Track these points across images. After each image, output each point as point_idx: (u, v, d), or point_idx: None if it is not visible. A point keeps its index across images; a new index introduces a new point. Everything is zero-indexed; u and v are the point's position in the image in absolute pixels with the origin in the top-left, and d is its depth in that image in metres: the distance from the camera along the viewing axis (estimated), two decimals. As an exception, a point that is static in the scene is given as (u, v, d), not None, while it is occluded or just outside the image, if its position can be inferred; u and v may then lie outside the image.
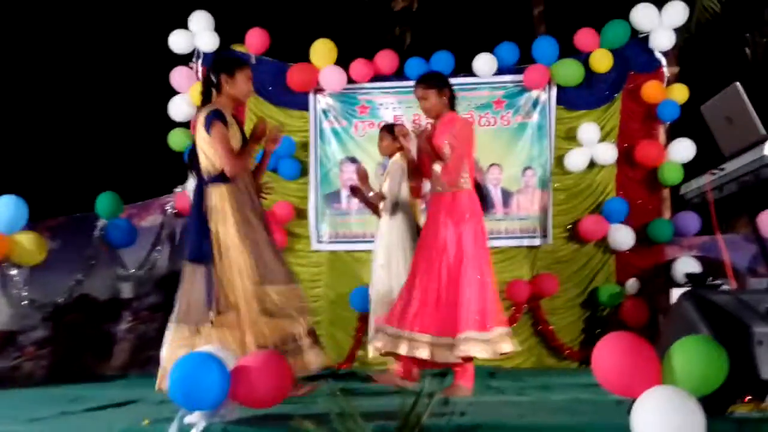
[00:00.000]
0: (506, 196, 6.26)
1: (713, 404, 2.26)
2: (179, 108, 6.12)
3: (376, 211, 5.13)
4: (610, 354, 2.27)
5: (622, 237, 5.99)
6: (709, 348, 2.19)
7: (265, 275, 3.56)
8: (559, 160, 6.21)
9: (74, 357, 5.59)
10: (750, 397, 2.46)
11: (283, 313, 3.57)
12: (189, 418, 2.57)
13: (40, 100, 9.04)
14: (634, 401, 2.15)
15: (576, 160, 6.10)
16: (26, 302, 5.31)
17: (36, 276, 5.38)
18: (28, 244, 4.99)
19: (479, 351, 3.82)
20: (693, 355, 2.19)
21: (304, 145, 6.38)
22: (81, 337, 5.67)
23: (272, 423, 2.70)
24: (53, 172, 8.88)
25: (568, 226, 6.20)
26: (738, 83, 2.80)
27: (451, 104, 4.14)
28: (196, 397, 2.52)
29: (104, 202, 5.71)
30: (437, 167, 3.88)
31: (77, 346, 5.63)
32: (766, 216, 4.74)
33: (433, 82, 4.07)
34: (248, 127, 6.24)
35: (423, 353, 3.89)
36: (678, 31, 6.25)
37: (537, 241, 6.19)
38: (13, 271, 5.23)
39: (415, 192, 4.17)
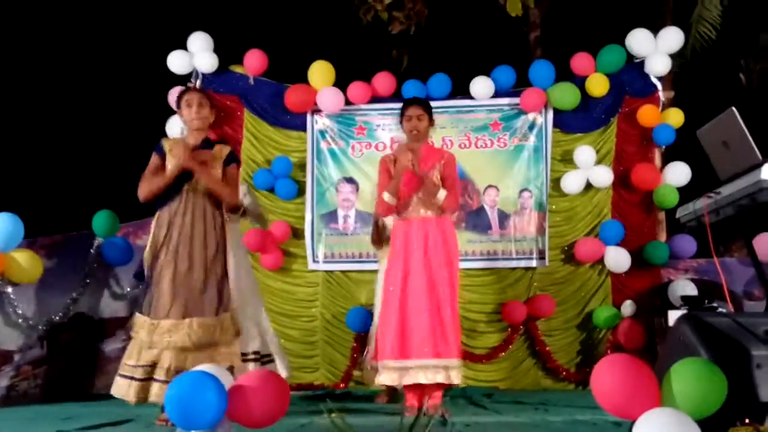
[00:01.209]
0: (503, 217, 6.27)
1: (712, 427, 2.25)
2: (176, 127, 6.12)
3: (377, 228, 5.08)
4: (609, 375, 2.26)
5: (618, 259, 6.00)
6: (708, 370, 2.19)
7: (147, 307, 3.51)
8: (555, 183, 6.24)
9: (69, 376, 5.56)
10: (749, 420, 2.45)
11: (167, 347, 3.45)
12: (185, 438, 2.55)
13: (37, 117, 9.07)
14: (633, 423, 2.15)
15: (572, 183, 6.14)
16: (22, 321, 5.28)
17: (32, 294, 5.37)
18: (24, 262, 4.94)
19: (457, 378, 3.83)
20: (692, 378, 2.18)
21: (302, 166, 6.40)
22: (76, 355, 5.64)
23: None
24: (49, 190, 8.89)
25: (565, 248, 6.22)
26: (734, 108, 2.82)
27: None
28: (193, 416, 2.50)
29: (100, 220, 5.69)
30: (441, 194, 3.90)
31: (73, 365, 5.60)
32: (762, 239, 4.75)
33: (430, 108, 4.12)
34: (247, 146, 6.39)
35: (421, 378, 3.82)
36: (673, 56, 6.31)
37: (534, 263, 6.20)
38: (9, 289, 5.22)
39: (390, 210, 4.10)
